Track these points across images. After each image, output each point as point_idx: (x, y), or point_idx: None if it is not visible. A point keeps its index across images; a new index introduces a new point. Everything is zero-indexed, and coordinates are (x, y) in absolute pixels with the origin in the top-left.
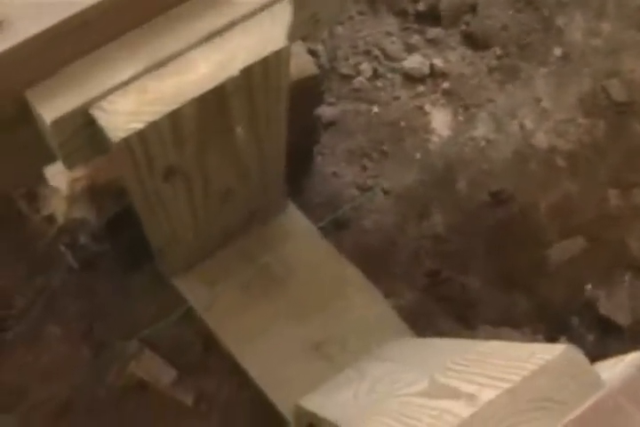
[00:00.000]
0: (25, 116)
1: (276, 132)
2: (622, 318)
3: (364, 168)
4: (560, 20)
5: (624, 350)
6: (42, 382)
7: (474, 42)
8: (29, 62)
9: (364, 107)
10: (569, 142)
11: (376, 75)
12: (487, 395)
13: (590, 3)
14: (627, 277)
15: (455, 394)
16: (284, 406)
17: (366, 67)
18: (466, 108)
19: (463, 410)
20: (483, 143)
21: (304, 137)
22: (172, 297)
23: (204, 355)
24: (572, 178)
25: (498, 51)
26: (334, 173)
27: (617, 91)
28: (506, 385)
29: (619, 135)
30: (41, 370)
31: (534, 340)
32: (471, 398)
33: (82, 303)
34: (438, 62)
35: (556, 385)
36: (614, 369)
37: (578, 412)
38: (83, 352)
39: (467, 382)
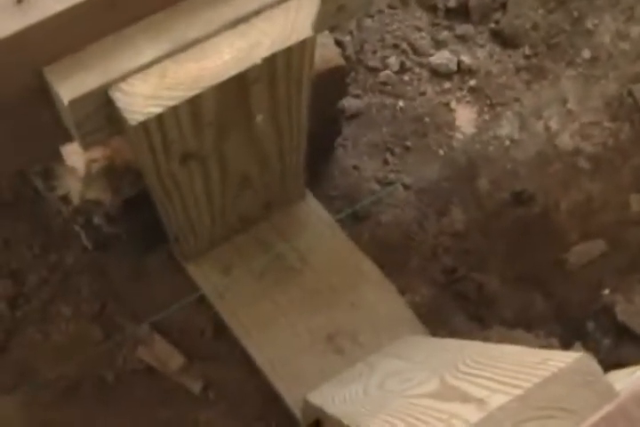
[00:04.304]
0: (43, 94)
1: (297, 121)
2: (639, 326)
3: (386, 162)
4: (590, 22)
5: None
6: (50, 362)
7: (503, 40)
8: (51, 39)
9: (389, 101)
10: (593, 145)
11: (403, 69)
12: (497, 400)
13: (621, 5)
14: None
15: (465, 398)
16: (292, 398)
17: (394, 61)
18: (491, 106)
19: (472, 415)
20: (507, 142)
21: (326, 128)
22: (185, 282)
23: (214, 342)
24: (594, 181)
25: (526, 50)
26: (355, 166)
27: None
28: (516, 391)
29: None
30: (50, 349)
31: (548, 343)
32: (481, 402)
33: (94, 284)
34: (466, 59)
35: (568, 394)
36: (628, 379)
37: (589, 422)
38: (92, 334)
39: (477, 385)
